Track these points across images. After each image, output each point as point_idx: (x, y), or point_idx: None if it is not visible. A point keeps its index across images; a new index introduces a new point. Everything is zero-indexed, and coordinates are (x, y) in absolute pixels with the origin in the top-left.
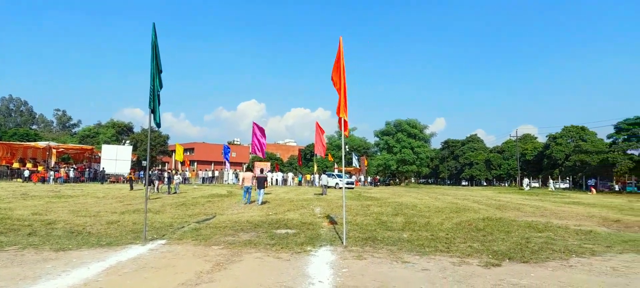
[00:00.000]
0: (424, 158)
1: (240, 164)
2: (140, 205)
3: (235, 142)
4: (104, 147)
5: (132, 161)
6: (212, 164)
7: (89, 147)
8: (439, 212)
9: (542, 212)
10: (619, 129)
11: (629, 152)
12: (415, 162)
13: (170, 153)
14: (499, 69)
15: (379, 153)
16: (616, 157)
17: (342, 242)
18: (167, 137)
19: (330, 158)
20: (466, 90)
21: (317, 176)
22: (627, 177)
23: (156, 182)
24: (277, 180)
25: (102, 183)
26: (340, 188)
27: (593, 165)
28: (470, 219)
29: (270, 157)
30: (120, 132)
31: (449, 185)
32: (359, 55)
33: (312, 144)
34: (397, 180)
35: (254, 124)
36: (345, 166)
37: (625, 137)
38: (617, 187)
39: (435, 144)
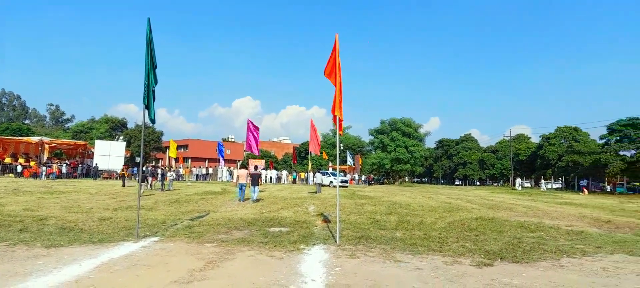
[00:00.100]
0: (418, 157)
1: (234, 161)
2: (133, 201)
3: (229, 139)
4: (98, 142)
5: (125, 157)
6: (206, 161)
7: (82, 142)
8: (432, 211)
9: (534, 212)
10: (611, 129)
11: (621, 153)
12: (409, 161)
13: (164, 149)
14: (494, 69)
15: (373, 152)
16: (608, 157)
17: (336, 241)
18: (161, 133)
19: (324, 156)
20: (461, 90)
21: (311, 174)
22: (618, 177)
23: (150, 179)
24: (271, 178)
25: (95, 179)
26: (335, 186)
27: (585, 166)
28: (463, 219)
29: (264, 155)
30: (114, 128)
31: (442, 184)
32: (354, 53)
33: (307, 141)
34: (391, 179)
35: (249, 121)
36: (339, 164)
37: (618, 138)
38: (608, 188)
39: (430, 143)
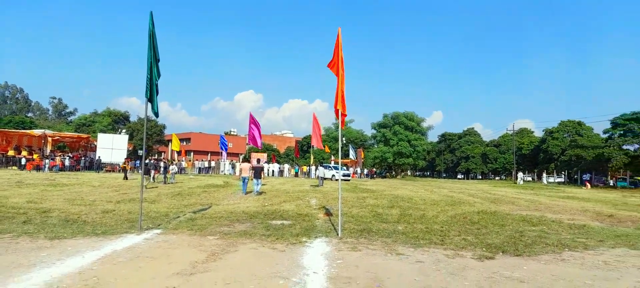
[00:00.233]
0: (421, 151)
1: (236, 155)
2: (136, 194)
3: (232, 133)
4: (100, 135)
5: (128, 150)
6: (209, 154)
7: (85, 135)
8: (434, 204)
9: (536, 206)
10: (615, 124)
11: (624, 147)
12: (411, 155)
13: (166, 142)
14: (497, 63)
15: (376, 146)
16: (612, 152)
17: (337, 234)
18: (164, 127)
19: (327, 150)
20: (464, 85)
21: (313, 168)
22: (621, 172)
23: (152, 172)
24: (273, 171)
25: (98, 172)
26: (337, 180)
27: (588, 160)
28: (465, 212)
29: (267, 148)
30: (117, 121)
31: (444, 178)
32: (357, 47)
33: (309, 135)
34: (394, 172)
35: (251, 114)
36: (341, 158)
37: (621, 132)
38: (611, 182)
39: (433, 137)
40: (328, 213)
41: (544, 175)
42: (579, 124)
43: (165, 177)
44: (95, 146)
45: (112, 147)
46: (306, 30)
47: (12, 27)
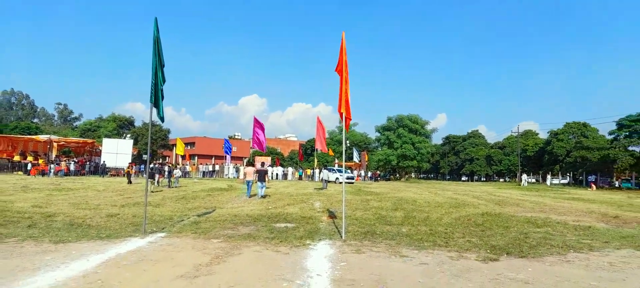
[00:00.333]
0: (425, 153)
1: (240, 158)
2: (140, 198)
3: (236, 137)
4: (105, 140)
5: (132, 155)
6: (213, 158)
7: (90, 140)
8: (439, 207)
9: (541, 208)
10: (620, 125)
11: (630, 148)
12: (415, 158)
13: (171, 147)
14: (502, 65)
15: (379, 149)
16: (617, 153)
17: (341, 236)
18: (168, 131)
19: (330, 153)
20: (468, 87)
21: (317, 171)
22: (627, 173)
23: (157, 176)
24: (277, 174)
25: (103, 176)
26: (341, 183)
27: (594, 161)
28: (469, 214)
29: (270, 152)
30: (122, 126)
31: (448, 180)
32: (361, 50)
33: (313, 138)
34: (398, 175)
35: (255, 119)
36: (345, 161)
37: (627, 133)
38: (617, 184)
39: (437, 139)
40: (332, 215)
41: (548, 176)
42: (584, 125)
43: (169, 181)
44: (100, 151)
45: (116, 151)
46: (310, 35)
47: (18, 34)
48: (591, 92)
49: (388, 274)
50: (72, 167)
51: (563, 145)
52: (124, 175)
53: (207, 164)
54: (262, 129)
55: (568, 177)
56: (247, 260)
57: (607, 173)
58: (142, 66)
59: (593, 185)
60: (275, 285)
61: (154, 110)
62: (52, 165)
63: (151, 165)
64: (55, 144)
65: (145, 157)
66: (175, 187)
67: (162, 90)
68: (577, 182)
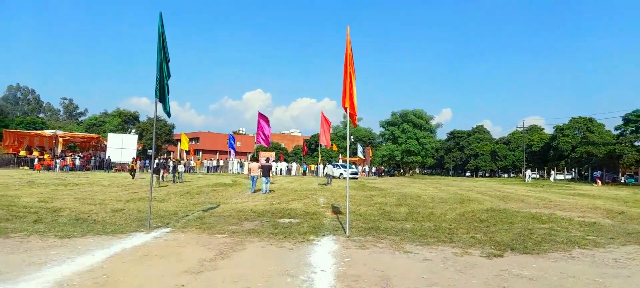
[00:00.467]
0: (429, 149)
1: (245, 154)
2: (145, 193)
3: (240, 132)
4: (110, 135)
5: (137, 150)
6: (217, 153)
7: (95, 135)
8: (443, 202)
9: (546, 204)
10: (627, 120)
11: (636, 143)
12: (420, 153)
13: (175, 142)
14: (507, 60)
15: (384, 144)
16: (623, 148)
17: (345, 232)
18: (173, 126)
19: (335, 148)
20: (473, 82)
21: (321, 166)
22: (633, 169)
23: (161, 171)
24: (281, 170)
25: (108, 171)
26: (345, 178)
27: (599, 157)
28: (473, 210)
29: (275, 147)
30: (127, 121)
31: (452, 176)
32: (366, 45)
33: (317, 134)
34: (402, 170)
35: (259, 113)
36: (350, 156)
37: (633, 128)
38: (623, 179)
39: (441, 134)
40: (336, 211)
41: (552, 172)
42: (590, 120)
43: (174, 176)
44: (106, 146)
45: (121, 146)
46: (315, 29)
47: (24, 29)
48: (598, 87)
49: (392, 270)
50: (77, 162)
51: (569, 141)
52: (128, 171)
53: (211, 159)
54: (267, 122)
55: (573, 173)
56: (251, 256)
57: (613, 168)
58: (147, 61)
59: (598, 181)
60: (279, 281)
61: (160, 105)
62: (57, 160)
63: (156, 161)
64: (60, 139)
65: (150, 152)
66: (180, 182)
67: (167, 85)
68: (582, 178)
